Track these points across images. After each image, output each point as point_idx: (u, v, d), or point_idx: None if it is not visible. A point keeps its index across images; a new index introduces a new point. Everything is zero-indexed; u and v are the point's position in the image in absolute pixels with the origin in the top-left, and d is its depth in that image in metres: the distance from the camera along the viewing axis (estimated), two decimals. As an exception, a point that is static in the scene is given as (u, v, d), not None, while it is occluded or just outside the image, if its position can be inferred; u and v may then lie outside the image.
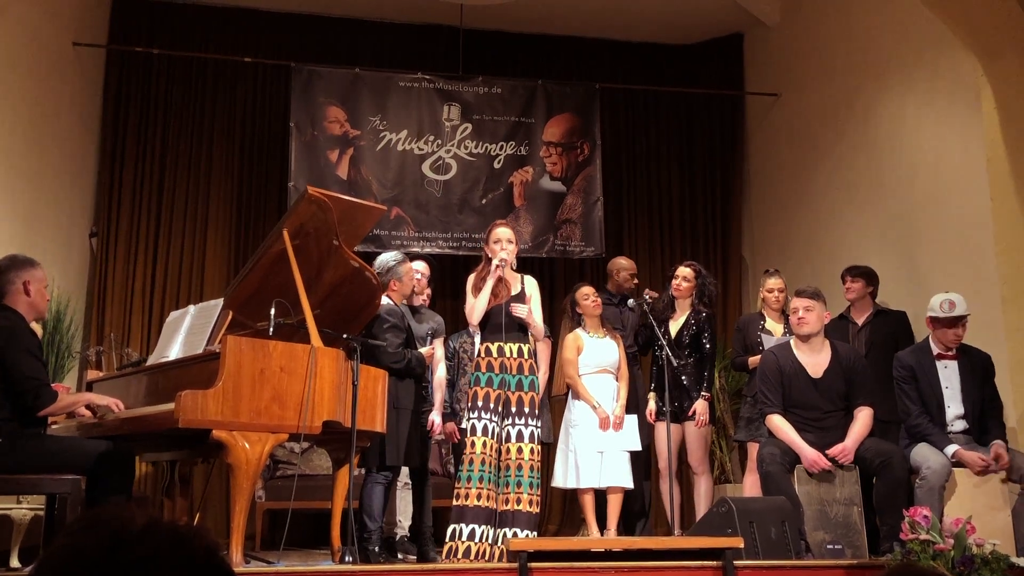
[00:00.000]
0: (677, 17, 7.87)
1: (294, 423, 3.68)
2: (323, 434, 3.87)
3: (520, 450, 4.61)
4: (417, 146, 7.35)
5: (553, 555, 3.71)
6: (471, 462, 4.56)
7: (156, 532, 0.90)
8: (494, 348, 4.74)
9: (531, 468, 4.60)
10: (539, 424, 4.75)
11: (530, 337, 4.92)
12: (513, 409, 4.66)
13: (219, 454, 3.70)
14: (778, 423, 4.54)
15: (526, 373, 4.73)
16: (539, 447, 4.71)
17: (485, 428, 4.60)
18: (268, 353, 3.66)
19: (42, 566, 0.92)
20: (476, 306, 4.77)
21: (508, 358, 4.73)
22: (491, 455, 4.58)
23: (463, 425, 4.94)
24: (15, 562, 4.90)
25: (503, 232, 4.85)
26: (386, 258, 4.95)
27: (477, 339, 5.15)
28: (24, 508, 4.94)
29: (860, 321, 5.51)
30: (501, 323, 4.72)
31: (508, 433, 4.63)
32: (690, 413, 5.35)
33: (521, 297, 4.83)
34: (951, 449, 4.40)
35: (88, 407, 3.83)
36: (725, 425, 6.75)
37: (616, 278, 6.03)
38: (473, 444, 4.59)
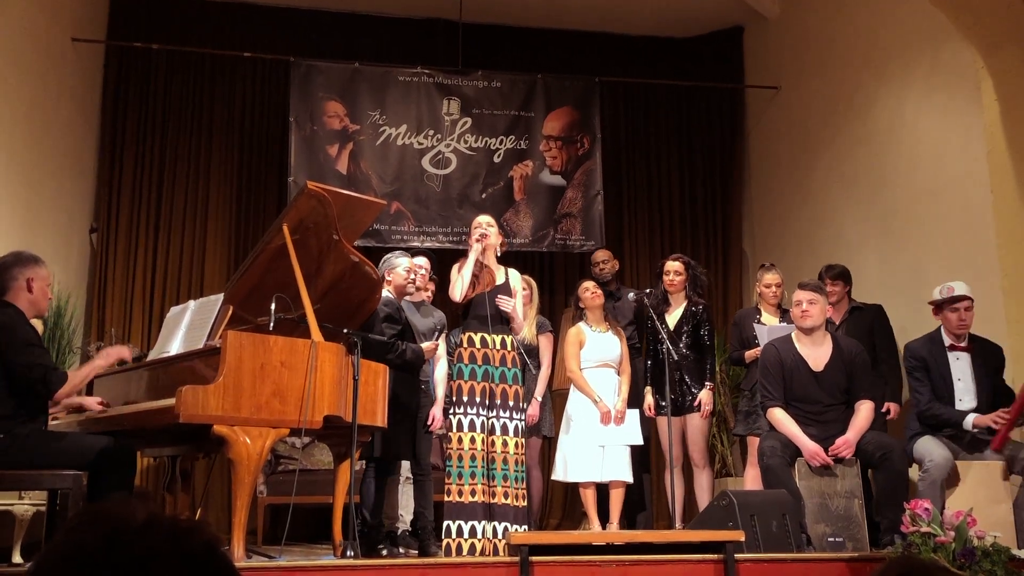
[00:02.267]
0: (677, 10, 7.86)
1: (295, 418, 3.68)
2: (324, 429, 3.86)
3: (505, 443, 4.61)
4: (417, 140, 7.34)
5: (554, 549, 3.71)
6: (460, 458, 4.56)
7: (156, 527, 0.90)
8: (477, 339, 4.73)
9: (516, 462, 4.61)
10: (523, 417, 4.77)
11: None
12: (498, 402, 4.65)
13: (220, 449, 3.70)
14: (779, 416, 4.53)
15: (509, 366, 4.73)
16: (523, 440, 4.72)
17: (472, 423, 4.60)
18: (268, 348, 3.66)
19: (42, 561, 0.92)
20: (461, 280, 4.75)
21: (492, 349, 4.72)
22: (480, 449, 4.58)
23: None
24: (17, 558, 4.90)
25: (482, 218, 5.00)
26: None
27: None
28: (26, 504, 4.94)
29: (837, 320, 5.52)
30: (486, 314, 4.72)
31: (493, 425, 4.63)
32: (695, 404, 5.36)
33: (506, 288, 4.83)
34: (970, 419, 4.41)
35: (101, 402, 3.87)
36: (727, 419, 6.75)
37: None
38: (460, 440, 4.59)
